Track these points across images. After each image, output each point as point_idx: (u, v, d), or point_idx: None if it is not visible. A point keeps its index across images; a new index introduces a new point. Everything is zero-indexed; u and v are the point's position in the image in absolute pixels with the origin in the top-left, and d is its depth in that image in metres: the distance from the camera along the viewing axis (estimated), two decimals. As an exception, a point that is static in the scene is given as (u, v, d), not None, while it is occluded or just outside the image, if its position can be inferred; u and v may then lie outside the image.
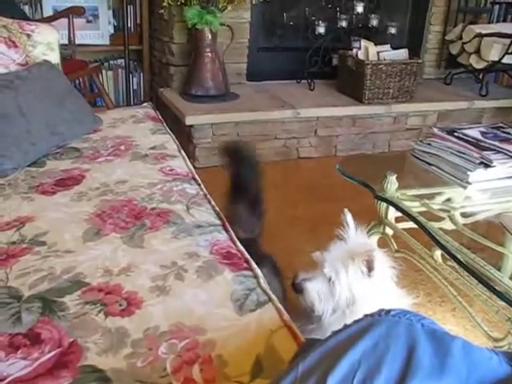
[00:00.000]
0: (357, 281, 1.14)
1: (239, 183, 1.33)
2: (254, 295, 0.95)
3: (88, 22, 3.40)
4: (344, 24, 3.32)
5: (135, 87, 3.58)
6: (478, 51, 3.39)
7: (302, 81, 3.43)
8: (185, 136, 2.96)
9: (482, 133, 1.67)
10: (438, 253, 1.37)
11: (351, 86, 3.22)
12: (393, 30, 3.39)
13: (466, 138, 1.61)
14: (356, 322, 0.67)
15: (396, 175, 1.54)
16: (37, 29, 1.85)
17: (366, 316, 0.68)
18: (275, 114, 2.96)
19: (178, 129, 3.00)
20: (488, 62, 3.34)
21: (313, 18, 3.36)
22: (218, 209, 1.27)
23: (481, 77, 3.54)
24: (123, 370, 0.78)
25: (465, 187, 1.54)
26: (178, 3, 2.84)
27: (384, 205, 1.55)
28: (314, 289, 1.16)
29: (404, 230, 1.54)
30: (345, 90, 3.29)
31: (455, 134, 1.64)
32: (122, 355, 0.81)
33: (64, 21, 2.89)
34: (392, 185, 1.55)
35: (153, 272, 1.00)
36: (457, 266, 1.30)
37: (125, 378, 0.77)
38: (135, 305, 0.91)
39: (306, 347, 0.72)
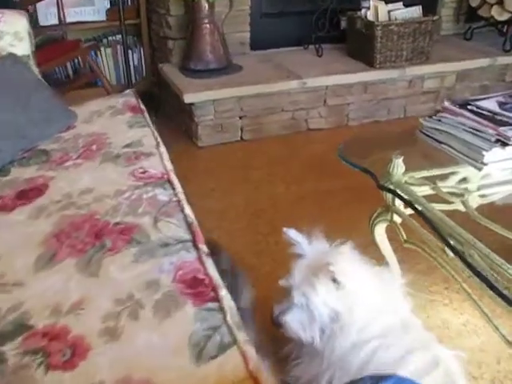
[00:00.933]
0: (330, 294, 1.06)
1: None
2: (218, 336, 0.82)
3: (82, -3, 3.24)
4: (352, -19, 3.08)
5: (136, 63, 3.43)
6: (500, 1, 3.12)
7: (310, 47, 3.23)
8: (187, 114, 2.83)
9: (500, 103, 1.49)
10: (449, 247, 1.24)
11: (361, 50, 3.00)
12: (405, -15, 3.14)
13: (480, 111, 1.43)
14: None
15: (403, 157, 1.39)
16: (3, 17, 1.68)
17: None
18: (279, 86, 2.78)
19: (179, 107, 2.87)
20: (512, 12, 3.08)
21: (318, -23, 3.13)
22: (192, 218, 1.13)
23: (505, 30, 3.28)
24: None
25: (480, 168, 1.38)
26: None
27: (390, 190, 1.42)
28: (294, 319, 1.08)
29: (413, 217, 1.40)
30: (355, 55, 3.08)
31: (468, 107, 1.46)
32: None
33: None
34: (399, 168, 1.41)
35: (105, 309, 0.89)
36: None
37: None
38: (80, 355, 0.80)
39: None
